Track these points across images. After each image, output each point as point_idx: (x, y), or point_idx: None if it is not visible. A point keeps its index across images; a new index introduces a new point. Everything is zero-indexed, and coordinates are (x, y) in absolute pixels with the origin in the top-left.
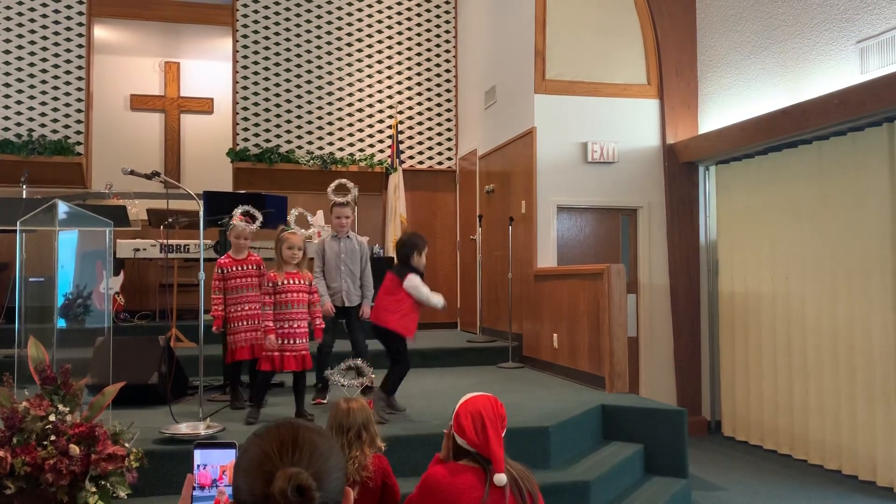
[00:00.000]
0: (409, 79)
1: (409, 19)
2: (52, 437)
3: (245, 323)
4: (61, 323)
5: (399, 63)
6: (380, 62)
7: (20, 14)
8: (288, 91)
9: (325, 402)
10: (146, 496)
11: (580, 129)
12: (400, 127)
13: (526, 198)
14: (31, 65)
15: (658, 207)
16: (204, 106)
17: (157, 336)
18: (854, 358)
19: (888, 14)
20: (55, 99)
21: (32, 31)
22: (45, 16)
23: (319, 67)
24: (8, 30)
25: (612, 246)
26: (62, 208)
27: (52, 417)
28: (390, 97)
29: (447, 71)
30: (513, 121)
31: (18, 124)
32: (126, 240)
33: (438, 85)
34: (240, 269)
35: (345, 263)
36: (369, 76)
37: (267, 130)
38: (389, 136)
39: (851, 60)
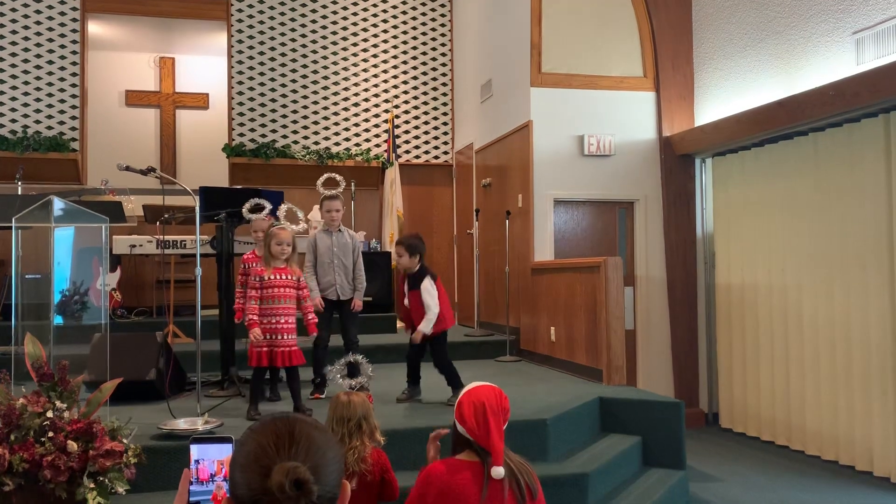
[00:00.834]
0: (405, 73)
1: (404, 13)
2: (50, 434)
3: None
4: (58, 319)
5: (395, 57)
6: (375, 56)
7: (14, 10)
8: (283, 86)
9: (322, 396)
10: (144, 492)
11: (576, 122)
12: (396, 121)
13: (523, 191)
14: (26, 61)
15: (655, 200)
16: (199, 101)
17: (155, 332)
18: (851, 349)
19: (884, 4)
20: (50, 95)
21: (26, 27)
22: (38, 11)
23: (315, 62)
24: (2, 25)
25: (608, 239)
26: (58, 205)
27: (49, 414)
28: (386, 91)
29: (443, 65)
30: (509, 114)
31: (13, 121)
32: (122, 236)
33: (434, 79)
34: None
35: (337, 257)
36: (365, 70)
37: (263, 126)
38: (386, 131)
39: (847, 51)
